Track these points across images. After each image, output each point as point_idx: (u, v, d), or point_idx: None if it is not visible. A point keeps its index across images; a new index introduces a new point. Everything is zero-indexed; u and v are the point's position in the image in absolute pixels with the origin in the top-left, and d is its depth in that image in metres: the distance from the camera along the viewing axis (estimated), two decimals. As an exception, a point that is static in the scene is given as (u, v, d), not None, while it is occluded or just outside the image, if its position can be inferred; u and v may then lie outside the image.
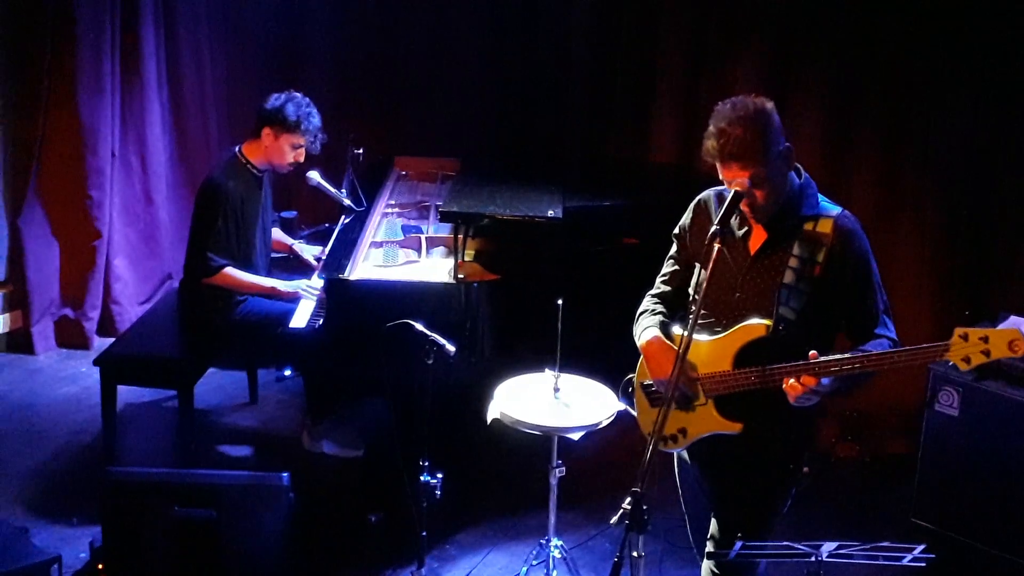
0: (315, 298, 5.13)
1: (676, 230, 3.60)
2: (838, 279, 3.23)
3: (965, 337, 2.96)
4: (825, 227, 3.25)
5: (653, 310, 3.56)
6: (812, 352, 3.11)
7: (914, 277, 5.71)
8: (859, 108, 5.84)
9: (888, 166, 5.82)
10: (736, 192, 3.24)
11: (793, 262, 3.25)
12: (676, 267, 3.59)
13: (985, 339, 2.94)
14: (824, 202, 3.32)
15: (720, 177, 3.25)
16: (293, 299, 5.18)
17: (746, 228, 3.35)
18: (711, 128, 3.21)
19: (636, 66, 6.77)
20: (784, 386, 3.15)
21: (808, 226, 3.26)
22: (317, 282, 5.26)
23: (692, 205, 3.54)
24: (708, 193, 3.48)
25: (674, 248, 3.61)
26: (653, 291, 3.63)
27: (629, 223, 5.61)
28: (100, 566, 4.31)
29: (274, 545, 4.32)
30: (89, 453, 5.49)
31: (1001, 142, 5.47)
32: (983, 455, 4.58)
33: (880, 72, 5.72)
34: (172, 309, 5.54)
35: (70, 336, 6.75)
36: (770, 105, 3.24)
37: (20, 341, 6.63)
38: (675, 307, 3.54)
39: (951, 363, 3.00)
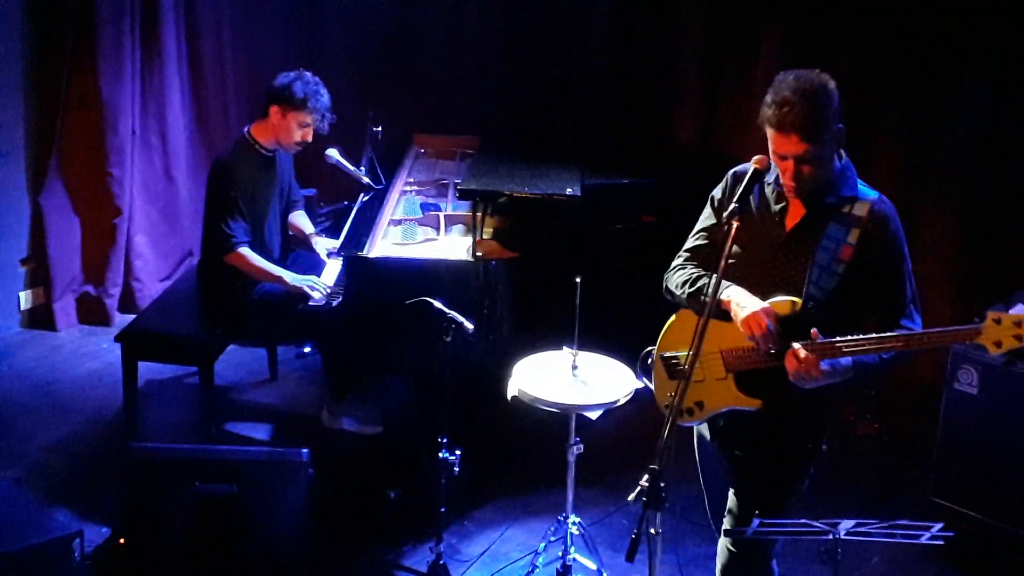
0: (323, 295, 5.10)
1: (713, 198, 3.51)
2: (869, 263, 3.22)
3: (998, 321, 2.95)
4: (861, 210, 3.24)
5: (700, 274, 3.45)
6: (813, 330, 3.12)
7: (936, 261, 5.69)
8: (882, 90, 5.80)
9: (910, 149, 5.79)
10: (755, 170, 3.23)
11: (827, 242, 3.24)
12: (707, 240, 3.51)
13: (1019, 323, 2.93)
14: (862, 186, 3.31)
15: (771, 147, 3.22)
16: (299, 293, 5.12)
17: (783, 204, 3.33)
18: (773, 96, 3.17)
19: (656, 44, 6.74)
20: (786, 361, 3.16)
21: (845, 208, 3.26)
22: (327, 278, 5.26)
23: (729, 175, 3.47)
24: (747, 167, 3.37)
25: (708, 213, 3.52)
26: (685, 255, 3.54)
27: (648, 201, 5.61)
28: (121, 541, 4.35)
29: (294, 520, 4.35)
30: (110, 429, 5.53)
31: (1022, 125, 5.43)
32: (1002, 434, 4.57)
33: (903, 54, 5.67)
34: (192, 286, 5.56)
35: (91, 313, 6.79)
36: (833, 84, 3.20)
37: (42, 317, 6.68)
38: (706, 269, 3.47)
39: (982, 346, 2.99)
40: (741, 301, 3.24)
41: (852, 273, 3.23)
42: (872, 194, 3.30)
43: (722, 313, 3.30)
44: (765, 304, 3.21)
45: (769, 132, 3.20)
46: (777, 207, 3.34)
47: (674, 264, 3.55)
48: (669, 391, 3.44)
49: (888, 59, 5.71)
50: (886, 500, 5.12)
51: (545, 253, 5.16)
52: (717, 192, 3.51)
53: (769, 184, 3.36)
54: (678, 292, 3.47)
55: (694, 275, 3.45)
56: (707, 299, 3.14)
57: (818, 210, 3.27)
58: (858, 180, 3.32)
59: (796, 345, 3.15)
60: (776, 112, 3.15)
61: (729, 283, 3.29)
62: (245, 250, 5.12)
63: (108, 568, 4.44)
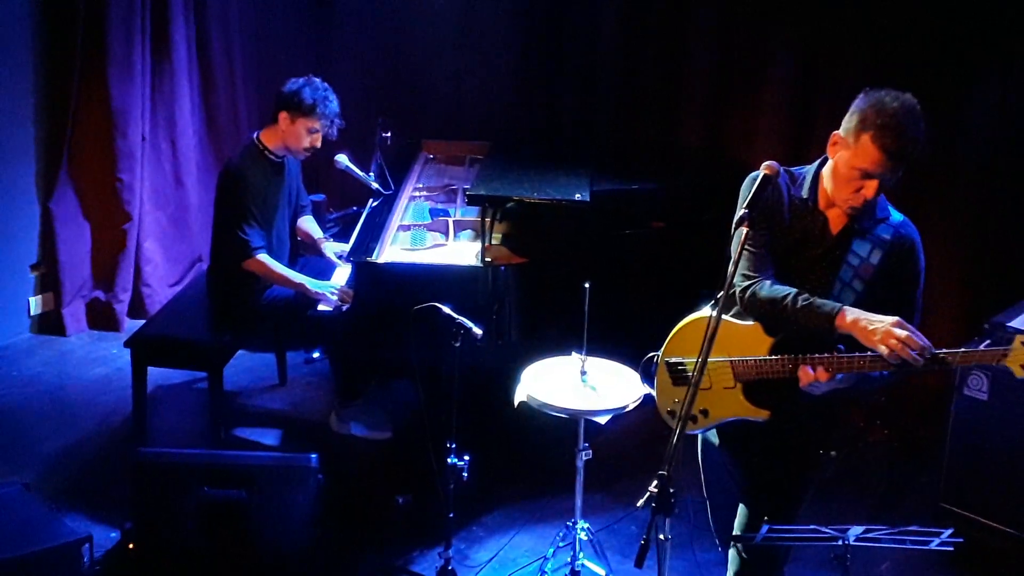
0: (341, 301, 5.10)
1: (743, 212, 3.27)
2: (886, 284, 3.24)
3: None
4: (887, 232, 3.27)
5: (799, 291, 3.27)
6: (840, 347, 3.12)
7: (942, 268, 5.67)
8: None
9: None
10: (765, 176, 3.20)
11: (851, 257, 3.26)
12: (761, 248, 3.34)
13: None
14: (890, 208, 3.33)
15: (853, 162, 3.13)
16: (318, 299, 5.11)
17: (823, 219, 3.31)
18: (883, 117, 3.09)
19: (665, 50, 6.74)
20: (799, 371, 3.16)
21: (874, 228, 3.27)
22: (338, 283, 5.25)
23: (759, 181, 3.22)
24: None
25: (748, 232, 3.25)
26: (765, 278, 3.30)
27: (656, 206, 5.60)
28: (131, 546, 4.35)
29: (303, 526, 4.35)
30: (120, 434, 5.54)
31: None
32: (1012, 439, 4.55)
33: (912, 61, 5.66)
34: (202, 291, 5.56)
35: (101, 318, 6.81)
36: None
37: (52, 323, 6.70)
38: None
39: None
40: (870, 317, 3.10)
41: (870, 292, 3.24)
42: (898, 217, 3.32)
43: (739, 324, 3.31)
44: (894, 318, 3.07)
45: (866, 149, 3.11)
46: (816, 221, 3.31)
47: (747, 284, 3.29)
48: (672, 397, 3.45)
49: (897, 66, 5.69)
50: (896, 506, 5.11)
51: (554, 258, 5.15)
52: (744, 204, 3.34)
53: (803, 199, 3.32)
54: (788, 304, 3.20)
55: (794, 290, 3.22)
56: (796, 312, 3.15)
57: (851, 231, 3.27)
58: (886, 200, 3.32)
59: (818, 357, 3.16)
60: (890, 136, 3.08)
61: (839, 304, 3.17)
62: (264, 256, 5.12)
63: (117, 573, 4.44)
